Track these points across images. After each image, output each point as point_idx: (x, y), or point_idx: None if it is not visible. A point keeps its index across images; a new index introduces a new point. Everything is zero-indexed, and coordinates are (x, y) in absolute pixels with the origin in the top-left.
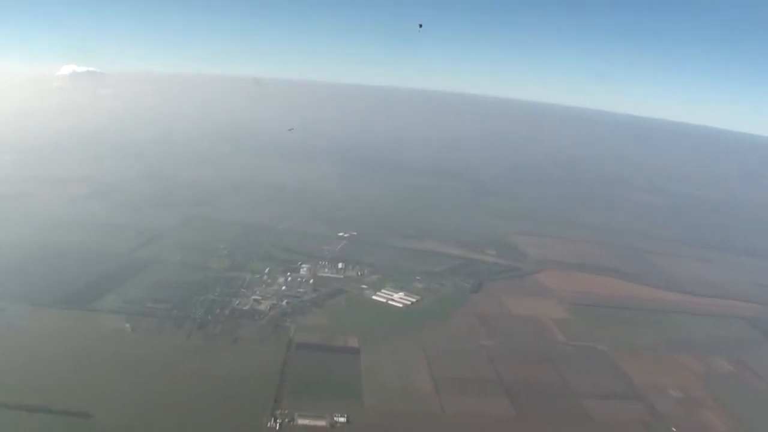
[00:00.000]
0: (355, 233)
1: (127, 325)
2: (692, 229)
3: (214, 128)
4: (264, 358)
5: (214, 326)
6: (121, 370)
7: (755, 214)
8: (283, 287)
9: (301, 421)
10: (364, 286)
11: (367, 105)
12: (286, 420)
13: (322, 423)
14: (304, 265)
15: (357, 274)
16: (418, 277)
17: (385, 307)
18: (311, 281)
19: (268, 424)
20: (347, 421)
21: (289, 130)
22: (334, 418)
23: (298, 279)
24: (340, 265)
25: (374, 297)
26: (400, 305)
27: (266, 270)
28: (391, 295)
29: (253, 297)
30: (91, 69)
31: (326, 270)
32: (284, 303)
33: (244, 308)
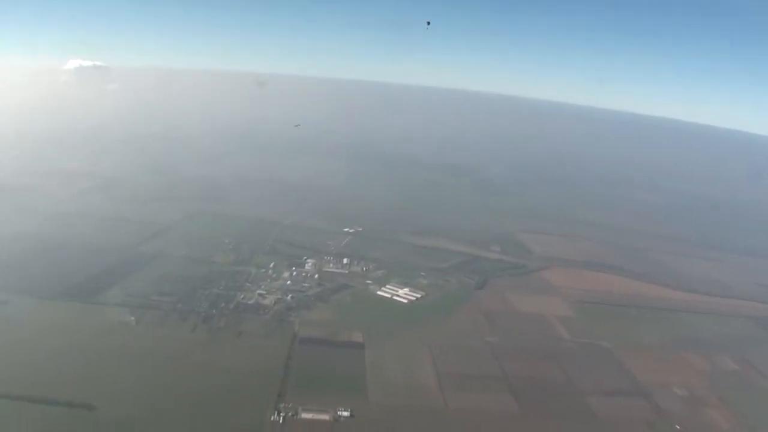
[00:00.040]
0: (360, 229)
1: (132, 318)
2: (697, 228)
3: (219, 123)
4: (268, 352)
5: (219, 320)
6: (125, 363)
7: (761, 213)
8: (288, 282)
9: (304, 415)
10: (369, 282)
11: (369, 101)
12: (290, 414)
13: (325, 417)
14: (309, 260)
15: (362, 269)
16: (423, 273)
17: (389, 302)
18: (316, 276)
19: (272, 418)
20: (351, 415)
21: (296, 126)
22: (338, 413)
23: (303, 274)
24: (345, 261)
25: (379, 292)
26: (405, 301)
27: (271, 264)
28: (396, 291)
29: (258, 291)
30: (97, 63)
31: (331, 265)
32: (289, 297)
33: (249, 302)
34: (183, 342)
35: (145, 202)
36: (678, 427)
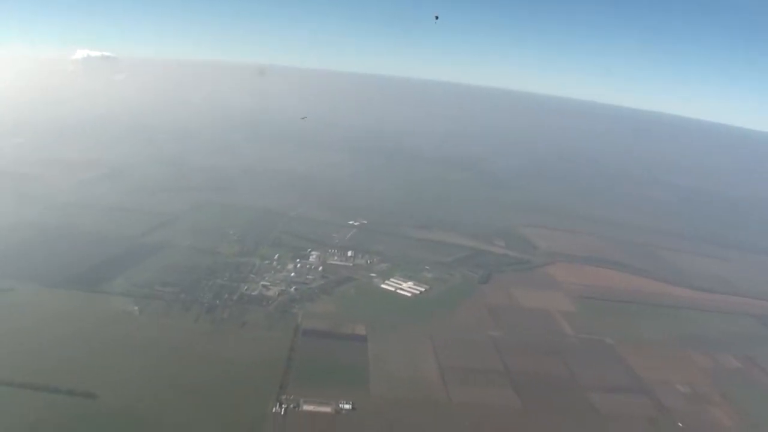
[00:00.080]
0: (365, 222)
1: (136, 307)
2: (698, 224)
3: (226, 114)
4: (271, 344)
5: (222, 311)
6: (128, 352)
7: (762, 209)
8: (292, 274)
9: (306, 407)
10: (373, 275)
11: (371, 94)
12: (292, 406)
13: (327, 410)
14: (313, 253)
15: (366, 262)
16: (427, 267)
17: (393, 295)
18: (320, 268)
19: (273, 409)
20: (353, 408)
21: (302, 118)
22: (340, 405)
23: (308, 266)
24: (349, 253)
25: (383, 285)
26: (409, 294)
27: (276, 256)
28: (400, 284)
29: (262, 283)
30: (105, 54)
31: (336, 258)
32: (293, 289)
33: (253, 294)
34: (186, 332)
35: (153, 193)
36: (680, 424)
